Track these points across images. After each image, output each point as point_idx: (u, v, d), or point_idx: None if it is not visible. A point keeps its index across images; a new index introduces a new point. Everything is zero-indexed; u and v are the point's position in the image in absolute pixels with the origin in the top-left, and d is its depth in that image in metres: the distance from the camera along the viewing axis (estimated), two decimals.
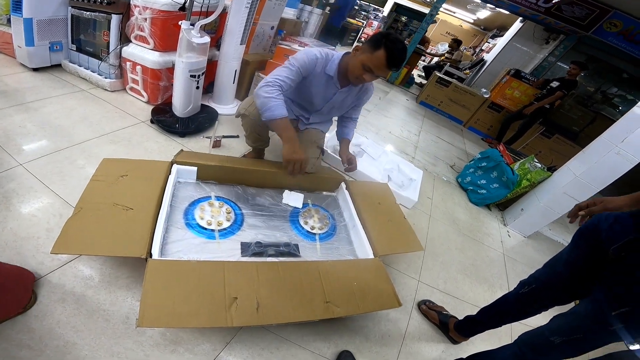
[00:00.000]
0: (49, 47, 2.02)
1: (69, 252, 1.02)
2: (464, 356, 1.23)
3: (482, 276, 1.94)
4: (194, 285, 0.96)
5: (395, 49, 1.21)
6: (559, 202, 2.33)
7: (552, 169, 2.56)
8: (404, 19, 11.63)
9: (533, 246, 2.51)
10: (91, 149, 1.62)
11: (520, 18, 5.53)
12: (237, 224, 1.38)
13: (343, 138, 1.70)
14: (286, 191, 1.58)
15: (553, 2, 4.25)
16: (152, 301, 0.88)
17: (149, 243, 1.04)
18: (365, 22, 9.33)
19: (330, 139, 2.39)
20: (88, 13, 1.93)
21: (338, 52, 1.46)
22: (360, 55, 1.30)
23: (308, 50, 1.38)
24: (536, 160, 2.62)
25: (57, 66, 2.16)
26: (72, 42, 2.09)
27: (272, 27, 2.61)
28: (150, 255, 1.02)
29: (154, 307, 0.87)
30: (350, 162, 1.63)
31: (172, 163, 1.41)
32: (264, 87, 1.27)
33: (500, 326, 1.26)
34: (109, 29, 1.93)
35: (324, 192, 1.75)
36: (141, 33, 1.92)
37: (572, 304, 1.07)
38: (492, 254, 2.20)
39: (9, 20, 1.92)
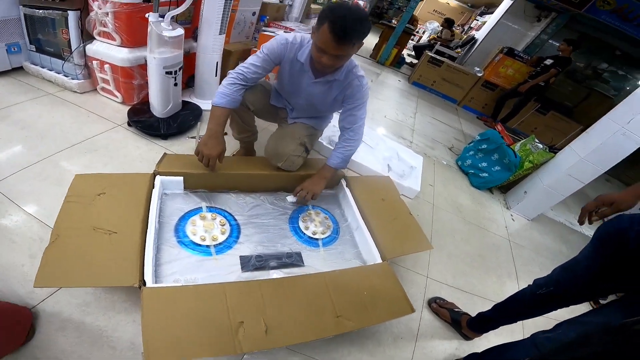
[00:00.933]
0: (6, 50, 1.81)
1: (54, 285, 0.94)
2: (479, 351, 1.21)
3: (490, 266, 1.89)
4: (196, 312, 0.89)
5: (337, 18, 1.01)
6: (563, 184, 2.28)
7: (553, 149, 2.50)
8: None
9: (538, 229, 2.48)
10: (65, 161, 1.47)
11: None
12: (234, 236, 1.27)
13: (324, 164, 1.46)
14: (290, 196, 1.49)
15: None
16: (154, 334, 0.81)
17: (140, 269, 0.94)
18: (350, 1, 9.00)
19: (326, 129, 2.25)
20: (41, 11, 1.71)
21: None
22: (312, 37, 1.16)
23: (280, 36, 1.28)
24: (537, 141, 2.54)
25: (19, 69, 1.94)
26: (31, 43, 1.87)
27: (254, 13, 2.42)
28: (144, 283, 0.91)
29: (157, 340, 0.80)
30: (298, 196, 1.42)
31: (154, 174, 1.27)
32: (227, 77, 1.28)
33: (515, 322, 1.24)
34: (67, 27, 1.72)
35: (323, 191, 1.64)
36: (104, 29, 1.71)
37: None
38: (497, 241, 2.15)
39: None
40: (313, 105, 1.43)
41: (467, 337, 1.39)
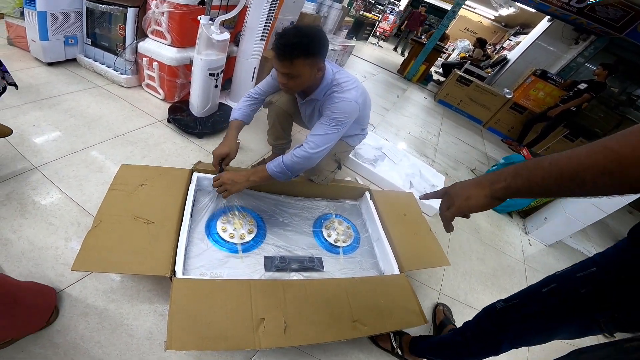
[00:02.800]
0: (63, 41, 1.95)
1: (91, 269, 1.00)
2: None
3: (503, 287, 1.88)
4: (221, 305, 0.93)
5: (278, 36, 1.05)
6: (585, 213, 2.23)
7: None
8: None
9: (554, 255, 2.44)
10: (108, 151, 1.57)
11: (548, 17, 5.28)
12: (260, 236, 1.32)
13: (264, 165, 1.26)
14: None
15: (587, 2, 4.03)
16: (179, 323, 0.86)
17: (173, 261, 1.00)
18: (381, 16, 9.09)
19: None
20: (103, 6, 1.85)
21: None
22: None
23: None
24: None
25: (72, 61, 2.10)
26: (87, 36, 2.02)
27: (292, 22, 2.51)
28: (175, 274, 0.98)
29: (181, 330, 0.85)
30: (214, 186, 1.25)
31: (192, 171, 1.35)
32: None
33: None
34: (124, 23, 1.85)
35: (347, 201, 1.68)
36: (158, 28, 1.84)
37: None
38: (512, 263, 2.13)
39: (22, 14, 1.85)
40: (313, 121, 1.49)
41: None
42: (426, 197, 0.76)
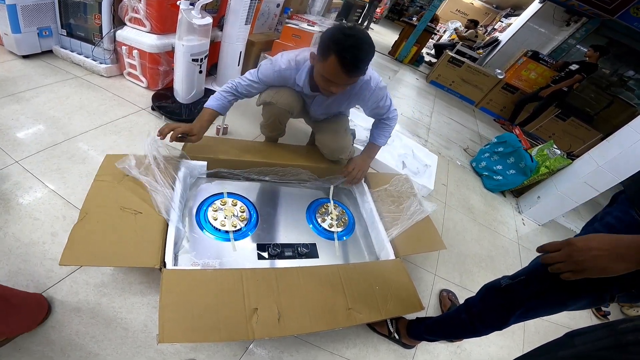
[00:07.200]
0: (37, 33, 1.86)
1: (78, 263, 0.97)
2: None
3: (498, 268, 1.90)
4: (213, 296, 0.91)
5: (345, 50, 0.97)
6: (578, 191, 2.25)
7: (571, 156, 2.46)
8: None
9: (547, 235, 2.46)
10: (90, 141, 1.52)
11: None
12: (252, 223, 1.30)
13: (370, 142, 1.54)
14: None
15: None
16: (170, 315, 0.84)
17: (162, 251, 0.98)
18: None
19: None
20: None
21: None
22: (316, 65, 1.12)
23: (275, 61, 1.27)
24: (555, 147, 2.51)
25: (49, 52, 2.00)
26: (62, 27, 1.93)
27: (278, 5, 2.43)
28: (164, 265, 0.95)
29: (173, 322, 0.83)
30: (349, 175, 1.50)
31: (180, 158, 1.31)
32: (225, 85, 1.34)
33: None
34: (100, 12, 1.76)
35: (342, 185, 1.66)
36: (136, 15, 1.76)
37: None
38: (506, 243, 2.15)
39: None
40: (327, 113, 1.49)
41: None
42: (543, 249, 0.71)
